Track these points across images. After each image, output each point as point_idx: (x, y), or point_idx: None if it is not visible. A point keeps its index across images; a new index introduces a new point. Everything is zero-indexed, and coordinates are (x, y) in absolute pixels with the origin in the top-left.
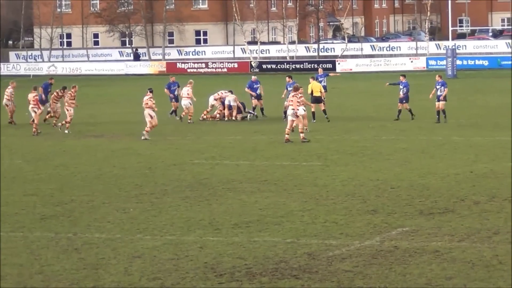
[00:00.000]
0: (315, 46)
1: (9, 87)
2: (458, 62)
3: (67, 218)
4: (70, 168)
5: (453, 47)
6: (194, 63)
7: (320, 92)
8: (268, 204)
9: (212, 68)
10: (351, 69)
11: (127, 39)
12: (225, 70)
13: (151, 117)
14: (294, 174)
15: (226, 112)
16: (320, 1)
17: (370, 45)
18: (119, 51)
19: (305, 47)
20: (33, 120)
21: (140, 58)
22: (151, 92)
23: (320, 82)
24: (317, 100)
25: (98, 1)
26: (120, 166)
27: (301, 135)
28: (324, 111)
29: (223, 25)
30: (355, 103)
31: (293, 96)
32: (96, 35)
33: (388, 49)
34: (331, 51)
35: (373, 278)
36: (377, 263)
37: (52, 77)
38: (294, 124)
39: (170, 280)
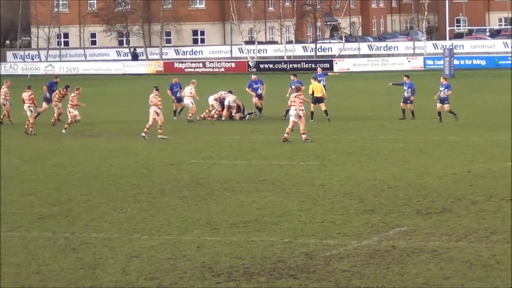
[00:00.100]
0: (313, 45)
1: (3, 86)
2: (456, 61)
3: (64, 218)
4: (68, 167)
5: (451, 46)
6: (191, 62)
7: (322, 92)
8: (266, 204)
9: (210, 67)
10: (348, 69)
11: (124, 39)
12: (223, 70)
13: (157, 114)
14: (291, 174)
15: (225, 112)
16: (317, 1)
17: (368, 45)
18: (116, 51)
19: (303, 46)
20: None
21: (138, 58)
22: (157, 90)
23: (320, 81)
24: (318, 100)
25: (95, 1)
26: (118, 166)
27: (303, 136)
28: (326, 111)
29: (221, 25)
30: (353, 103)
31: (295, 96)
32: (93, 35)
33: (385, 48)
34: (328, 51)
35: (371, 278)
36: (374, 263)
37: (57, 76)
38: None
39: (167, 280)
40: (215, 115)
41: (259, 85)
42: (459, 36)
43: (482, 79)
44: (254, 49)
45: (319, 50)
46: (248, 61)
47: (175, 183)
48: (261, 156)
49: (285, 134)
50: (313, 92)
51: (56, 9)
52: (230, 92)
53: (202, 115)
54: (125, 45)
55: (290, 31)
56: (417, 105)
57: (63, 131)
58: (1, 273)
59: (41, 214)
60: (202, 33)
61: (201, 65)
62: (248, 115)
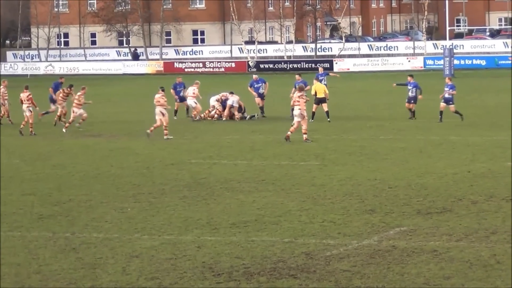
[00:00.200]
0: (313, 45)
1: (1, 86)
2: (456, 61)
3: (65, 218)
4: (68, 167)
5: (451, 46)
6: (191, 62)
7: (324, 93)
8: (266, 204)
9: (210, 67)
10: (348, 69)
11: (124, 39)
12: (223, 69)
13: (163, 115)
14: (292, 174)
15: (226, 111)
16: (317, 1)
17: (368, 45)
18: (116, 51)
19: (303, 46)
20: (33, 118)
21: (139, 58)
22: (162, 90)
23: (321, 81)
24: (320, 101)
25: (95, 1)
26: (118, 166)
27: (305, 136)
28: (327, 112)
29: (221, 25)
30: (353, 103)
31: (299, 96)
32: (93, 35)
33: (385, 48)
34: (328, 51)
35: (371, 278)
36: (375, 263)
37: (62, 76)
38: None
39: (168, 280)
40: (215, 115)
41: (261, 84)
42: (459, 36)
43: (482, 79)
44: (254, 49)
45: (319, 50)
46: (248, 61)
47: (176, 183)
48: (261, 156)
49: (289, 132)
50: (315, 92)
51: (56, 9)
52: (231, 93)
53: (202, 115)
54: (125, 45)
55: (290, 31)
56: (417, 105)
57: (63, 130)
58: (2, 273)
59: (41, 214)
60: (202, 33)
61: (201, 65)
62: (250, 117)
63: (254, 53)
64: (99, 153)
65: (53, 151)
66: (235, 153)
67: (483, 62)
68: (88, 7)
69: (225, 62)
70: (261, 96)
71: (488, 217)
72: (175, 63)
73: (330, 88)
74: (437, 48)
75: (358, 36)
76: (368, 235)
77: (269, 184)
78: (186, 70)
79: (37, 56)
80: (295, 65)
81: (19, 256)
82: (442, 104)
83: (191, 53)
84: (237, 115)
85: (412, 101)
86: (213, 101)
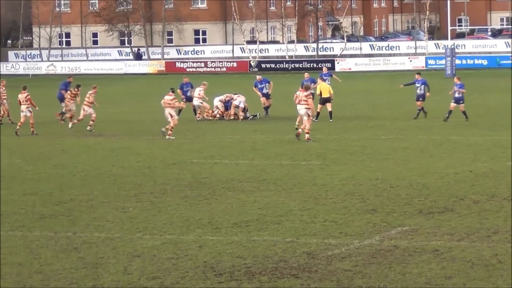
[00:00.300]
0: (314, 45)
1: (0, 85)
2: (457, 61)
3: (66, 217)
4: (69, 167)
5: (452, 46)
6: (193, 62)
7: (329, 93)
8: (268, 203)
9: (211, 67)
10: (350, 69)
11: (126, 39)
12: (224, 69)
13: (171, 116)
14: (293, 173)
15: (232, 111)
16: (319, 1)
17: (369, 45)
18: (118, 51)
19: (304, 46)
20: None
21: (142, 58)
22: (173, 92)
23: (325, 81)
24: (325, 101)
25: (97, 1)
26: (119, 165)
27: (307, 135)
28: (331, 113)
29: (222, 25)
30: (354, 103)
31: (306, 96)
32: (95, 35)
33: (387, 48)
34: (330, 51)
35: (373, 277)
36: (376, 262)
37: (70, 76)
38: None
39: (169, 279)
40: (218, 115)
41: (264, 84)
42: (461, 35)
43: (484, 78)
44: (255, 49)
45: (321, 49)
46: (249, 61)
47: (177, 182)
48: (262, 155)
49: (299, 130)
50: (320, 92)
51: (58, 9)
52: (235, 94)
53: (204, 115)
54: (126, 44)
55: (292, 31)
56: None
57: (70, 124)
58: (3, 272)
59: (43, 213)
60: (204, 32)
61: (202, 64)
62: (251, 117)
63: (255, 52)
64: (101, 152)
65: (54, 150)
66: (236, 152)
67: (485, 62)
68: (90, 7)
69: (227, 62)
70: (266, 95)
71: (489, 216)
72: (176, 63)
73: (332, 87)
74: (439, 48)
75: (360, 36)
76: (369, 235)
77: (271, 183)
78: (187, 70)
79: (38, 56)
80: (296, 65)
81: (21, 256)
82: (453, 104)
83: (192, 52)
84: (241, 114)
85: (421, 99)
86: (216, 101)
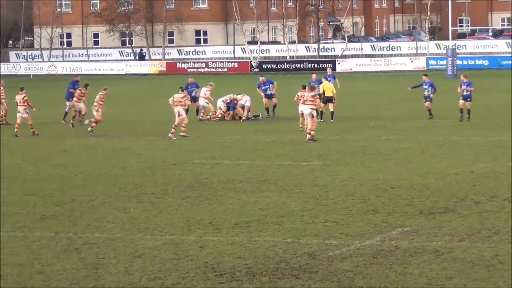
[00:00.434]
0: (315, 46)
1: None
2: (458, 62)
3: (67, 218)
4: (70, 167)
5: (453, 47)
6: (194, 63)
7: (332, 92)
8: (268, 204)
9: (212, 68)
10: (351, 69)
11: (127, 39)
12: (225, 70)
13: (180, 114)
14: (294, 174)
15: (240, 111)
16: (320, 1)
17: (370, 45)
18: (119, 51)
19: (305, 47)
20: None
21: (145, 58)
22: (182, 91)
23: (329, 82)
24: (328, 100)
25: (98, 1)
26: (120, 166)
27: (308, 136)
28: (332, 113)
29: (223, 25)
30: (355, 103)
31: (312, 96)
32: (96, 35)
33: (388, 49)
34: (331, 51)
35: (374, 278)
36: (377, 263)
37: (78, 75)
38: (306, 122)
39: (170, 280)
40: (219, 115)
41: (268, 85)
42: (462, 36)
43: (485, 79)
44: (256, 49)
45: (322, 50)
46: (250, 61)
47: (178, 183)
48: (263, 156)
49: (312, 133)
50: (323, 91)
51: (59, 9)
52: (239, 94)
53: (208, 116)
54: (127, 45)
55: (293, 31)
56: (419, 105)
57: (89, 129)
58: (4, 273)
59: (43, 214)
60: (205, 33)
61: (203, 65)
62: (253, 118)
63: (256, 53)
64: (102, 153)
65: (55, 151)
66: (237, 153)
67: (486, 62)
68: (91, 7)
69: (228, 62)
70: (269, 96)
71: (490, 217)
72: (177, 63)
73: (334, 88)
74: (440, 48)
75: (361, 36)
76: (370, 235)
77: (272, 184)
78: (188, 70)
79: (39, 56)
80: (297, 65)
81: (22, 256)
82: (461, 102)
83: (193, 53)
84: (244, 114)
85: (428, 100)
86: (220, 102)
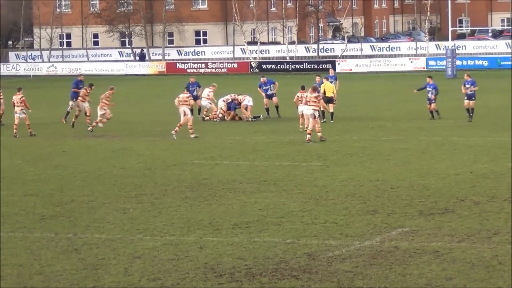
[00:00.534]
0: (315, 46)
1: None
2: (458, 62)
3: (67, 219)
4: (70, 168)
5: (453, 47)
6: (193, 63)
7: (333, 93)
8: (268, 205)
9: (212, 68)
10: (351, 70)
11: (126, 39)
12: (225, 70)
13: (185, 114)
14: (294, 175)
15: (244, 111)
16: (319, 2)
17: (370, 46)
18: (118, 51)
19: (305, 47)
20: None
21: (145, 59)
22: (188, 90)
23: (331, 83)
24: (328, 100)
25: (97, 1)
26: (120, 167)
27: (308, 136)
28: (332, 114)
29: (223, 25)
30: (355, 103)
31: (316, 97)
32: (95, 35)
33: (387, 49)
34: (330, 52)
35: (373, 279)
36: (377, 264)
37: (80, 74)
38: (306, 123)
39: (170, 281)
40: (220, 115)
41: (269, 86)
42: (462, 36)
43: (485, 79)
44: (256, 50)
45: (322, 50)
46: (250, 62)
47: (178, 183)
48: (263, 156)
49: (319, 133)
50: (324, 91)
51: (58, 10)
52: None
53: (209, 116)
54: (127, 45)
55: (293, 32)
56: (418, 106)
57: (100, 124)
58: (4, 273)
59: (43, 214)
60: (205, 33)
61: (203, 65)
62: (254, 119)
63: (256, 53)
64: (101, 154)
65: (55, 152)
66: (237, 154)
67: (485, 63)
68: (91, 8)
69: (227, 62)
70: (270, 96)
71: (490, 218)
72: (177, 64)
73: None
74: (440, 48)
75: (361, 37)
76: (370, 236)
77: (271, 185)
78: (188, 70)
79: (39, 56)
80: (297, 66)
81: (21, 257)
82: (466, 101)
83: (193, 53)
84: (247, 115)
85: (433, 101)
86: (220, 102)
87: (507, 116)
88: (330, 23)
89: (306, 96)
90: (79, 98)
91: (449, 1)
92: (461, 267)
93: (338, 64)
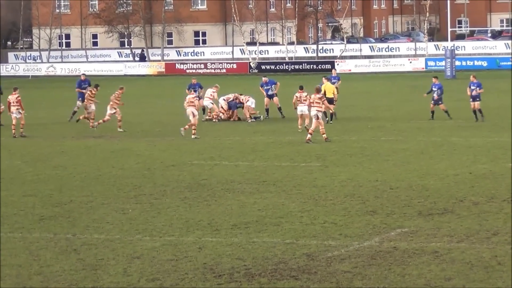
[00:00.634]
0: (314, 47)
1: None
2: (457, 63)
3: (66, 219)
4: (69, 168)
5: (452, 48)
6: (193, 63)
7: (333, 93)
8: (267, 205)
9: (211, 68)
10: (350, 70)
11: (126, 40)
12: (224, 71)
13: (194, 115)
14: (293, 175)
15: (246, 112)
16: (319, 2)
17: (369, 46)
18: (118, 52)
19: (304, 48)
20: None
21: (146, 59)
22: (195, 91)
23: (333, 83)
24: (329, 101)
25: (97, 2)
26: (119, 167)
27: (309, 136)
28: (332, 114)
29: (222, 26)
30: (354, 104)
31: (319, 98)
32: (95, 36)
33: (387, 50)
34: (330, 52)
35: (372, 279)
36: (376, 264)
37: (82, 74)
38: (307, 123)
39: (169, 281)
40: (220, 114)
41: (270, 86)
42: (461, 37)
43: (484, 80)
44: (255, 50)
45: (321, 51)
46: (249, 62)
47: (177, 184)
48: (262, 157)
49: (324, 135)
50: (325, 92)
51: (57, 10)
52: (241, 94)
53: (211, 116)
54: (126, 46)
55: (292, 32)
56: (418, 106)
57: (96, 123)
58: (3, 274)
59: (42, 215)
60: (204, 34)
61: (202, 66)
62: (254, 119)
63: (255, 54)
64: (100, 154)
65: (54, 152)
66: (236, 154)
67: (485, 63)
68: (90, 8)
69: (227, 63)
70: (270, 97)
71: (489, 218)
72: (176, 64)
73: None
74: (439, 49)
75: (360, 37)
76: (369, 236)
77: (270, 185)
78: (187, 71)
79: (38, 57)
80: (296, 67)
81: (20, 257)
82: (472, 103)
83: (192, 54)
84: (247, 115)
85: (440, 102)
86: (221, 100)
87: (507, 117)
88: (329, 24)
89: (307, 96)
90: (86, 100)
91: (448, 2)
92: (460, 267)
93: (337, 64)
